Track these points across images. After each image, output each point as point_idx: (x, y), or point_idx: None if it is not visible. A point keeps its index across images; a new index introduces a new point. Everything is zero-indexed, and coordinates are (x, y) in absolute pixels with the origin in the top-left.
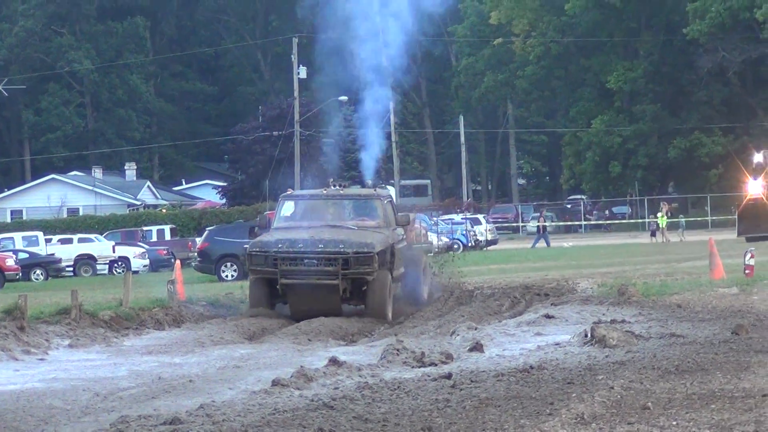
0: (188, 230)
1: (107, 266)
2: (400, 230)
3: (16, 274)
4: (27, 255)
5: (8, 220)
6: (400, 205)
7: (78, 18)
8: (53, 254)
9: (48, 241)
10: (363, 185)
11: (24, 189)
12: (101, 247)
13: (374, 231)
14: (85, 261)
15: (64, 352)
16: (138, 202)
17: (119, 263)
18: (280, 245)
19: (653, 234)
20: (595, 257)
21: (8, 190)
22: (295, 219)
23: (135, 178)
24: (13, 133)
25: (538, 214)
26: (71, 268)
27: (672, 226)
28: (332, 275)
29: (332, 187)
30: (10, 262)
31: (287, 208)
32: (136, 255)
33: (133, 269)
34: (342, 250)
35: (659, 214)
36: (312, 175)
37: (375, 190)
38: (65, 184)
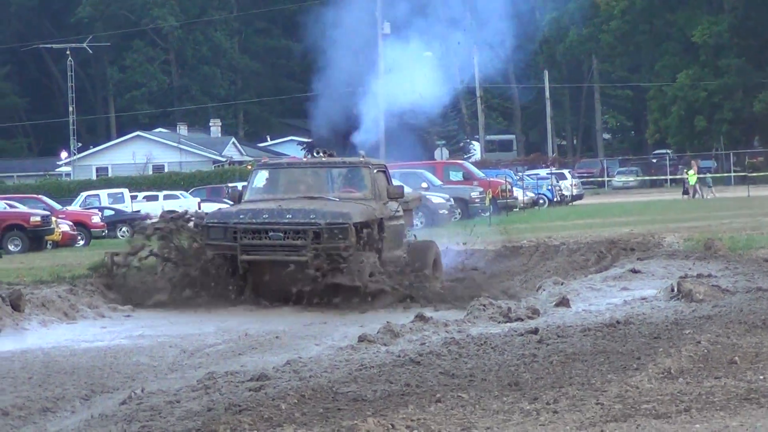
0: None
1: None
2: (393, 205)
3: (102, 231)
4: (113, 212)
5: (94, 177)
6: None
7: None
8: (139, 211)
9: (134, 198)
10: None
11: (109, 146)
12: (187, 203)
13: (357, 202)
14: None
15: (151, 309)
16: (223, 159)
17: None
18: (241, 216)
19: (686, 192)
20: (679, 212)
21: (94, 147)
22: (269, 191)
23: (220, 135)
24: (98, 91)
25: (690, 166)
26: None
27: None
28: (301, 250)
29: (316, 156)
30: (96, 219)
31: (261, 178)
32: None
33: None
34: (312, 220)
35: (690, 172)
36: (391, 135)
37: (363, 158)
38: (150, 141)
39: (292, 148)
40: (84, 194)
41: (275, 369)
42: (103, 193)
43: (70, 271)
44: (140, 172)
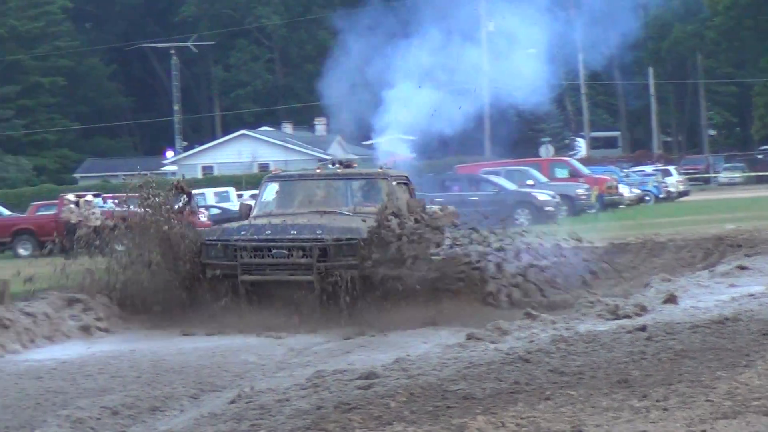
0: None
1: None
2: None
3: None
4: (219, 210)
5: (199, 176)
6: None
7: None
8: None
9: (239, 196)
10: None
11: (215, 145)
12: None
13: (371, 217)
14: None
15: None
16: (328, 157)
17: None
18: (242, 232)
19: None
20: None
21: (199, 146)
22: (280, 205)
23: (325, 133)
24: (203, 90)
25: None
26: None
27: None
28: (306, 269)
29: (330, 166)
30: (203, 218)
31: (270, 191)
32: None
33: None
34: (319, 236)
35: None
36: (497, 133)
37: (381, 169)
38: (255, 140)
39: (397, 146)
40: None
41: (384, 367)
42: (209, 192)
43: None
44: (246, 171)
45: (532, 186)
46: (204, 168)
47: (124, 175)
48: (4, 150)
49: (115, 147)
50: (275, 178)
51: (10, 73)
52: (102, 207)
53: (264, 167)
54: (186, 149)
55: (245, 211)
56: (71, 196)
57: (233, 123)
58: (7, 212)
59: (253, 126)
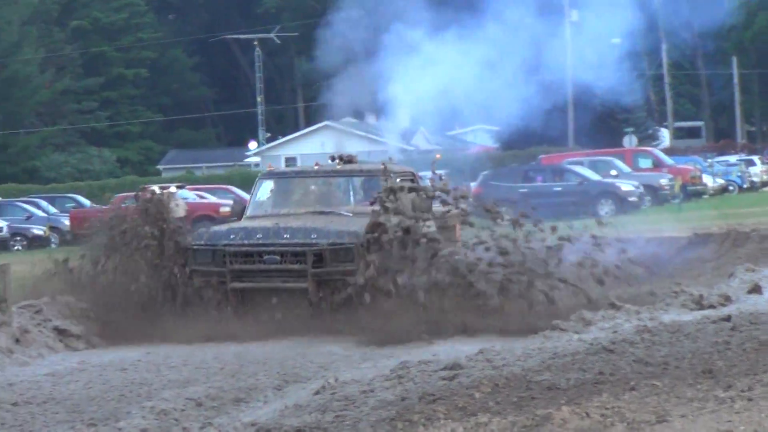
0: (462, 175)
1: None
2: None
3: None
4: None
5: (283, 167)
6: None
7: None
8: None
9: None
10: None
11: (298, 136)
12: None
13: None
14: None
15: None
16: (411, 148)
17: None
18: (232, 236)
19: None
20: None
21: (282, 137)
22: (275, 205)
23: (408, 124)
24: (286, 81)
25: None
26: None
27: None
28: (299, 276)
29: (330, 162)
30: None
31: (265, 190)
32: None
33: None
34: (313, 240)
35: None
36: (581, 123)
37: (384, 165)
38: (339, 131)
39: (480, 136)
40: None
41: (468, 358)
42: None
43: None
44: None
45: (615, 176)
46: (287, 159)
47: (207, 166)
48: (88, 142)
49: (198, 138)
50: (270, 175)
51: (93, 65)
52: (186, 199)
53: None
54: (269, 140)
55: (238, 210)
56: (155, 188)
57: (316, 114)
58: (90, 203)
59: (336, 117)
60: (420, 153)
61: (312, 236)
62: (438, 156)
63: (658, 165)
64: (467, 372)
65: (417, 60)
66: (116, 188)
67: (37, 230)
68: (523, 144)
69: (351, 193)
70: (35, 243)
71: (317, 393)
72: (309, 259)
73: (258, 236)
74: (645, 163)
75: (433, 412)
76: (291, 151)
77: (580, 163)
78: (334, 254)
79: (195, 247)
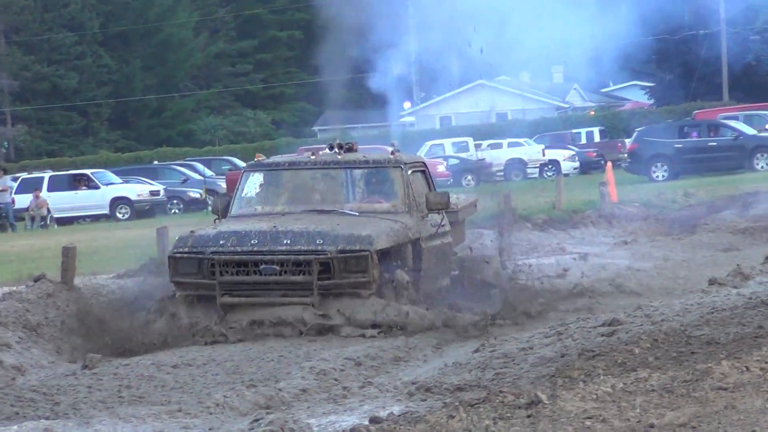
0: (617, 132)
1: (537, 170)
2: (436, 218)
3: (448, 180)
4: (457, 161)
5: (437, 126)
6: None
7: None
8: (483, 159)
9: (477, 146)
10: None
11: (452, 95)
12: (531, 150)
13: (383, 217)
14: (516, 165)
15: None
16: (566, 105)
17: (549, 166)
18: (221, 242)
19: None
20: None
21: (437, 96)
22: (265, 202)
23: (562, 81)
24: None
25: None
26: (501, 173)
27: None
28: (304, 289)
29: (328, 151)
30: (441, 168)
31: (253, 184)
32: (566, 158)
33: (563, 172)
34: (320, 247)
35: None
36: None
37: (393, 154)
38: (493, 89)
39: (634, 93)
40: (428, 143)
41: (627, 314)
42: (448, 142)
43: None
44: (483, 120)
45: None
46: (442, 118)
47: (362, 126)
48: (243, 104)
49: (352, 99)
50: (258, 166)
51: (248, 28)
52: None
53: (501, 117)
54: (423, 100)
55: (222, 207)
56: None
57: (470, 72)
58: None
59: (490, 75)
60: (575, 110)
61: (317, 242)
62: (592, 112)
63: None
64: (626, 327)
65: (572, 15)
66: (271, 150)
67: (194, 193)
68: (678, 99)
69: (353, 187)
70: (192, 206)
71: (477, 351)
72: (314, 270)
73: (253, 242)
74: None
75: (592, 368)
76: (446, 110)
77: (735, 118)
78: (344, 263)
79: (177, 255)
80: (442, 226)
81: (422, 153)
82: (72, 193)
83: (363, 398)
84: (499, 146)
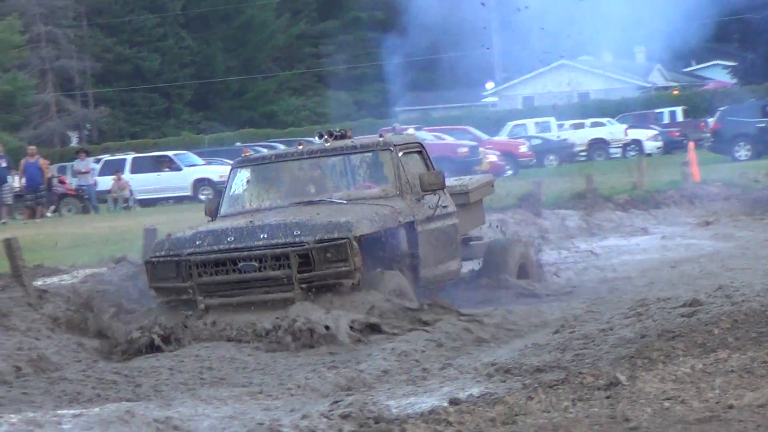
0: (700, 111)
1: (620, 149)
2: (432, 199)
3: (530, 161)
4: (540, 141)
5: (519, 106)
6: None
7: None
8: (566, 139)
9: (560, 126)
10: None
11: (534, 75)
12: (614, 130)
13: (371, 203)
14: (598, 145)
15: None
16: (648, 85)
17: (632, 146)
18: (197, 242)
19: None
20: None
21: (519, 76)
22: (254, 198)
23: (644, 61)
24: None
25: None
26: (584, 153)
27: None
28: (284, 284)
29: (317, 140)
30: (524, 148)
31: (240, 181)
32: (648, 137)
33: (646, 152)
34: (297, 239)
35: None
36: None
37: (382, 137)
38: (575, 69)
39: (717, 72)
40: (511, 124)
41: (707, 294)
42: (530, 122)
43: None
44: (566, 101)
45: None
46: (524, 98)
47: (444, 107)
48: (325, 85)
49: (434, 79)
50: (244, 162)
51: (328, 9)
52: (424, 140)
53: (583, 96)
54: (506, 80)
55: (212, 208)
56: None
57: (552, 53)
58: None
59: (572, 55)
60: (657, 89)
61: (295, 233)
62: (675, 92)
63: None
64: (706, 308)
65: None
66: (355, 131)
67: None
68: (761, 78)
69: (345, 175)
70: None
71: (556, 332)
72: (293, 263)
73: (229, 239)
74: None
75: (672, 348)
76: (528, 90)
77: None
78: (323, 253)
79: (154, 259)
80: (444, 207)
81: (504, 134)
82: (154, 174)
83: (443, 380)
84: (581, 126)
